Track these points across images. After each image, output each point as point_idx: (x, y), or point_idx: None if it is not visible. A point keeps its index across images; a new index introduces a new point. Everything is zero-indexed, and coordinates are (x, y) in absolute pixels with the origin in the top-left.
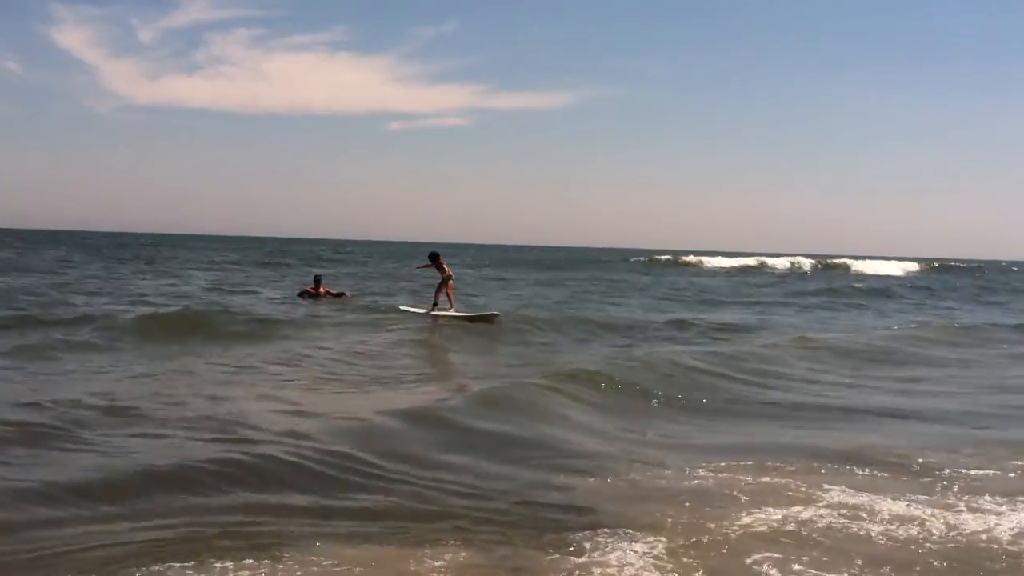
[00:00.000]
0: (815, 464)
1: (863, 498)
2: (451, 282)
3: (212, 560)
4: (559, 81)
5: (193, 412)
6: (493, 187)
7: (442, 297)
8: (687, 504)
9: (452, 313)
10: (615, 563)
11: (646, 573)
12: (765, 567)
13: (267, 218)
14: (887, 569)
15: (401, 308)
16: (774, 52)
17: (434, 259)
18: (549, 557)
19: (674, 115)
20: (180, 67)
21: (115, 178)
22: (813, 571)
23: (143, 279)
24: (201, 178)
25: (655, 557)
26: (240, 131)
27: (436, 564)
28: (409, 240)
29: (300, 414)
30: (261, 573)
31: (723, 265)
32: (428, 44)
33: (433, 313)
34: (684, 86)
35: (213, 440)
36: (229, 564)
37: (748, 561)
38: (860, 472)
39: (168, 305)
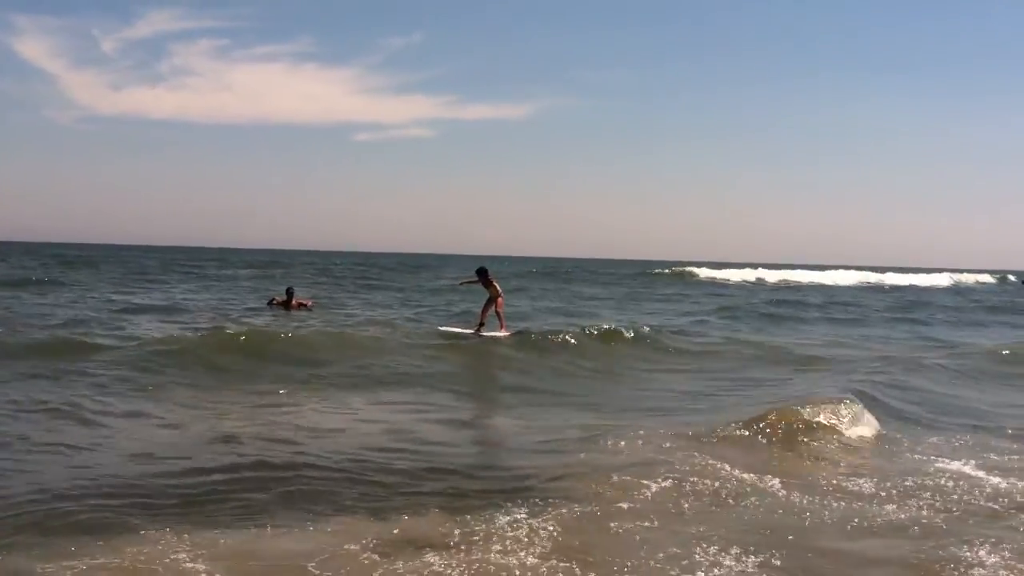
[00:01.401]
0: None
1: None
2: (500, 299)
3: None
4: (524, 92)
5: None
6: (461, 197)
7: (489, 316)
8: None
9: (504, 333)
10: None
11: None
12: (637, 536)
13: (232, 229)
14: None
15: (441, 329)
16: (738, 61)
17: (482, 275)
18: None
19: (638, 124)
20: (143, 78)
21: (77, 189)
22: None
23: (160, 292)
24: (165, 189)
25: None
26: (205, 142)
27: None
28: (379, 251)
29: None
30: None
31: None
32: (394, 55)
33: (481, 334)
34: (646, 96)
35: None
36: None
37: (612, 525)
38: None
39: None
